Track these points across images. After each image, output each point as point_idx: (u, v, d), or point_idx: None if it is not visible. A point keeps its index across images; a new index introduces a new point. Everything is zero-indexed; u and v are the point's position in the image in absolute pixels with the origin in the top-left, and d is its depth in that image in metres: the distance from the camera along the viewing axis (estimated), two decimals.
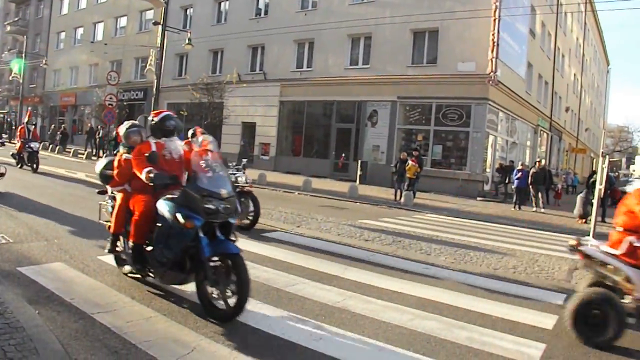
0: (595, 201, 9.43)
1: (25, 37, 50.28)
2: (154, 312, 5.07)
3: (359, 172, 25.63)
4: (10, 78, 47.19)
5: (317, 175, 26.82)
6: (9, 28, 55.85)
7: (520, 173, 20.28)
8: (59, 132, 36.88)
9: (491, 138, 25.96)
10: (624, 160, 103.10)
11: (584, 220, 17.32)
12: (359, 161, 26.27)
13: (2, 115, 52.66)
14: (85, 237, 8.18)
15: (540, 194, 20.48)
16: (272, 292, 6.04)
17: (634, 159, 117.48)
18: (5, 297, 4.84)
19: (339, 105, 28.81)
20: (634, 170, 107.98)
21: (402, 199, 18.73)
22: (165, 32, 27.66)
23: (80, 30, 47.67)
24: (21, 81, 45.98)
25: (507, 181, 23.60)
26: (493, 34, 23.48)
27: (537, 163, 21.32)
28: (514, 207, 20.05)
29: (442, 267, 8.27)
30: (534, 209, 20.15)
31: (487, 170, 25.66)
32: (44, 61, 43.61)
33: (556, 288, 7.50)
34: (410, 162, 19.48)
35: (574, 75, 46.36)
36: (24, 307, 4.69)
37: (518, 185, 20.25)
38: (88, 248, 7.43)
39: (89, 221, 9.64)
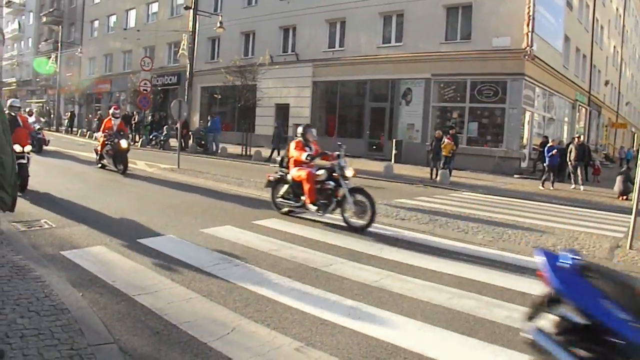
0: (637, 177, 9.15)
1: (60, 27, 51.13)
2: (194, 293, 5.13)
3: (394, 151, 25.47)
4: (47, 69, 48.09)
5: (351, 155, 26.63)
6: (45, 19, 56.80)
7: (554, 150, 19.51)
8: (95, 119, 37.57)
9: (528, 114, 25.50)
10: None
11: (624, 197, 16.93)
12: (394, 140, 26.10)
13: (40, 105, 53.74)
14: (125, 221, 8.32)
15: (579, 171, 19.96)
16: (310, 272, 6.06)
17: None
18: (50, 280, 4.97)
19: (372, 85, 28.62)
20: None
21: (438, 178, 18.59)
22: (197, 16, 27.87)
23: (113, 18, 48.21)
24: (57, 70, 46.84)
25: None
26: (528, 7, 22.95)
27: (577, 139, 20.77)
28: (542, 186, 19.14)
29: (480, 245, 8.19)
30: (573, 186, 19.68)
31: (524, 147, 25.24)
32: (79, 50, 44.28)
33: None
34: (445, 140, 19.26)
35: (614, 47, 45.08)
36: (68, 290, 4.81)
37: (550, 162, 19.50)
38: (128, 231, 7.56)
39: (128, 205, 9.82)
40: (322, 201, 9.08)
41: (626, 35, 49.96)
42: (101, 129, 16.15)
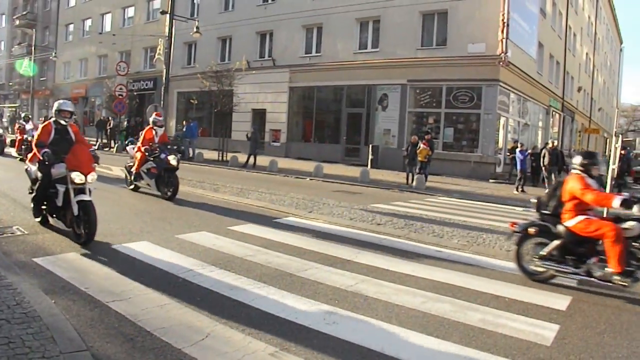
0: (608, 181, 9.35)
1: (34, 30, 50.55)
2: (168, 299, 5.11)
3: (370, 157, 25.58)
4: (21, 73, 47.47)
5: (328, 160, 26.81)
6: (17, 22, 56.02)
7: (522, 155, 19.85)
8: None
9: (502, 119, 25.79)
10: (638, 139, 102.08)
11: None
12: (370, 145, 26.20)
13: (13, 109, 53.01)
14: (99, 227, 8.22)
15: (552, 175, 20.22)
16: (285, 277, 6.07)
17: None
18: (22, 287, 4.91)
19: (349, 90, 28.71)
20: None
21: (414, 183, 18.71)
22: (173, 21, 27.70)
23: (88, 22, 47.70)
24: (32, 75, 46.26)
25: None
26: (503, 14, 23.24)
27: (550, 144, 21.06)
28: (516, 190, 19.49)
29: (455, 249, 8.27)
30: (546, 190, 19.87)
31: (499, 152, 25.51)
32: (53, 54, 43.77)
33: None
34: (421, 145, 19.40)
35: (586, 54, 45.85)
36: (41, 297, 4.75)
37: (521, 166, 19.86)
38: (101, 237, 7.48)
39: (102, 211, 9.72)
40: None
41: (598, 43, 50.87)
42: (140, 141, 12.77)
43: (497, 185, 21.59)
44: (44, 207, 7.91)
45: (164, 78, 27.90)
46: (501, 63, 23.44)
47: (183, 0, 35.76)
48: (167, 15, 27.62)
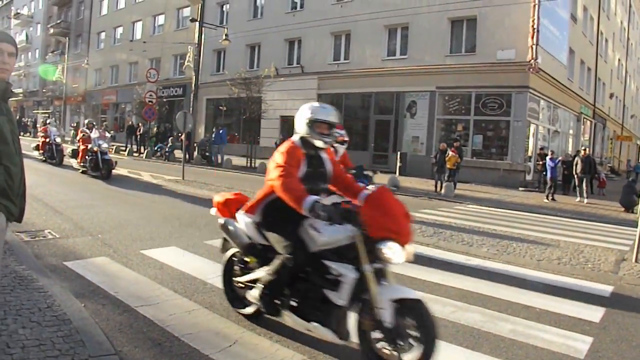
0: None
1: (67, 38, 51.44)
2: (196, 305, 5.11)
3: (398, 164, 25.46)
4: (54, 78, 48.40)
5: None
6: (52, 30, 57.17)
7: (559, 160, 19.59)
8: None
9: (532, 127, 25.47)
10: None
11: (630, 210, 16.87)
12: (399, 152, 26.10)
13: (46, 115, 54.01)
14: (128, 231, 8.32)
15: (585, 183, 19.89)
16: None
17: None
18: (53, 290, 4.96)
19: (377, 97, 28.67)
20: None
21: (443, 190, 18.56)
22: (203, 28, 27.95)
23: (119, 30, 48.54)
24: (64, 82, 47.11)
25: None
26: (533, 20, 23.00)
27: (583, 152, 20.73)
28: (547, 198, 19.20)
29: (484, 258, 8.16)
30: (578, 198, 19.60)
31: (529, 159, 25.20)
32: (85, 61, 44.55)
33: (603, 280, 7.32)
34: (450, 152, 19.27)
35: (618, 60, 45.10)
36: (71, 300, 4.79)
37: (552, 174, 19.60)
38: (131, 242, 7.55)
39: (132, 216, 9.82)
40: None
41: (630, 48, 50.02)
42: None
43: (526, 194, 21.31)
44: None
45: (193, 85, 28.16)
46: (531, 69, 23.17)
47: (212, 8, 36.18)
48: (197, 23, 27.88)
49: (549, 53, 25.21)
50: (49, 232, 7.87)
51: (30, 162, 19.33)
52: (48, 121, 23.04)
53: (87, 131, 17.88)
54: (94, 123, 19.68)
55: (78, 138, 18.49)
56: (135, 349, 4.04)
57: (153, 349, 4.06)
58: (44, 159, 20.44)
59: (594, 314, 5.63)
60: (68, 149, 20.25)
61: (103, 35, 50.58)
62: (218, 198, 5.36)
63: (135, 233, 8.21)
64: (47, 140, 20.37)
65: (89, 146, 16.80)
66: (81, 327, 4.14)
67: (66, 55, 49.50)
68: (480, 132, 25.16)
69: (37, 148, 21.02)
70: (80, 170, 17.32)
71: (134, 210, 10.83)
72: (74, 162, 18.20)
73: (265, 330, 4.56)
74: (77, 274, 5.87)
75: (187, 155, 22.07)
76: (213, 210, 5.35)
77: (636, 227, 9.02)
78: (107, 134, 19.82)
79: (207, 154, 28.12)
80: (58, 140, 20.73)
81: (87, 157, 16.78)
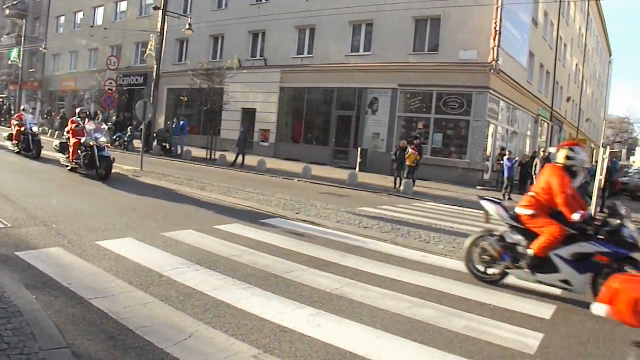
0: (595, 192, 9.44)
1: (24, 21, 50.10)
2: (151, 297, 5.05)
3: (359, 160, 25.59)
4: (10, 62, 47.08)
5: (317, 162, 26.81)
6: (8, 12, 55.57)
7: (517, 161, 20.05)
8: (58, 117, 36.88)
9: (492, 127, 25.91)
10: (624, 151, 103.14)
11: None
12: (359, 149, 26.23)
13: (1, 100, 52.53)
14: (84, 222, 8.16)
15: None
16: (271, 278, 6.03)
17: (634, 150, 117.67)
18: (3, 281, 4.84)
19: (340, 93, 28.74)
20: (634, 162, 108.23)
21: (402, 187, 18.73)
22: (166, 17, 27.54)
23: (80, 15, 47.48)
24: (20, 66, 45.85)
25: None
26: (495, 22, 23.35)
27: (542, 153, 21.16)
28: (504, 198, 19.49)
29: (441, 255, 8.27)
30: None
31: (488, 159, 25.62)
32: (43, 46, 43.43)
33: None
34: (410, 150, 19.44)
35: (576, 65, 46.19)
36: (22, 292, 4.68)
37: (509, 174, 20.06)
38: (86, 233, 7.41)
39: (88, 206, 9.64)
40: None
41: (588, 54, 51.27)
42: None
43: (484, 192, 21.65)
44: None
45: (154, 74, 27.75)
46: (492, 71, 23.55)
47: None
48: (160, 11, 27.47)
49: (510, 55, 25.65)
50: (1, 221, 7.65)
51: (1, 154, 18.62)
52: (23, 107, 20.29)
53: (80, 122, 14.86)
54: (88, 112, 16.72)
55: (68, 129, 15.35)
56: (88, 342, 3.97)
57: (107, 342, 4.00)
58: (18, 150, 18.58)
59: (546, 311, 5.77)
60: (55, 142, 16.63)
61: (62, 19, 49.41)
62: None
63: (91, 224, 8.06)
64: (22, 129, 18.36)
65: (83, 140, 14.11)
66: (32, 319, 4.04)
67: (23, 39, 48.20)
68: (441, 130, 25.46)
69: (10, 138, 19.34)
70: (69, 168, 14.94)
71: (90, 200, 10.63)
72: (61, 158, 15.45)
73: (221, 324, 4.54)
74: (29, 264, 5.72)
75: (146, 146, 21.72)
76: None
77: None
78: (104, 126, 16.02)
79: (164, 144, 27.70)
80: (35, 129, 18.62)
81: (79, 152, 14.22)
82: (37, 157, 18.00)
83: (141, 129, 19.92)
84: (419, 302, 5.63)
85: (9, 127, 24.09)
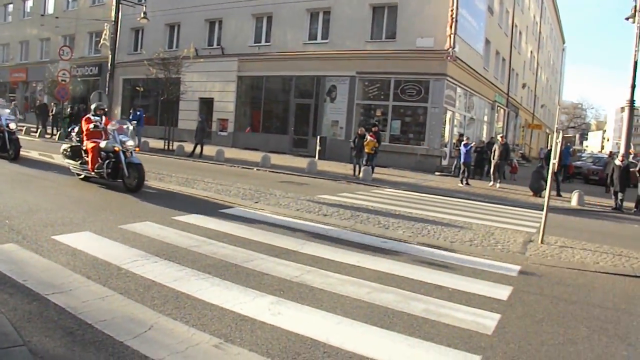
0: (549, 176, 9.72)
1: None
2: (110, 291, 4.99)
3: (318, 148, 25.66)
4: None
5: (275, 151, 26.78)
6: None
7: (472, 146, 20.39)
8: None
9: (449, 113, 26.26)
10: (577, 136, 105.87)
11: (538, 195, 17.73)
12: (318, 137, 26.27)
13: None
14: (38, 216, 7.98)
15: (500, 169, 20.74)
16: (230, 267, 6.02)
17: (587, 135, 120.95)
18: None
19: (298, 81, 28.71)
20: (587, 146, 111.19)
21: (361, 174, 18.85)
22: (120, 5, 26.98)
23: (29, 3, 46.16)
24: None
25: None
26: (452, 10, 23.62)
27: (501, 139, 21.56)
28: (461, 183, 19.97)
29: (400, 240, 8.38)
30: (491, 183, 20.42)
31: (445, 145, 25.96)
32: None
33: (511, 260, 7.69)
34: (368, 137, 19.56)
35: (531, 52, 47.13)
36: None
37: (465, 160, 20.39)
38: (41, 228, 7.26)
39: (42, 201, 9.44)
40: None
41: (542, 42, 52.35)
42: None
43: (442, 178, 22.00)
44: None
45: (109, 64, 27.22)
46: (449, 58, 23.84)
47: None
48: None
49: (466, 42, 25.99)
50: None
51: None
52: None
53: (98, 120, 11.92)
54: (105, 108, 13.37)
55: (79, 129, 12.28)
56: (46, 338, 3.90)
57: (65, 337, 3.94)
58: None
59: (502, 292, 5.92)
60: (63, 145, 13.14)
61: (11, 7, 47.96)
62: None
63: (46, 218, 7.90)
64: None
65: (105, 143, 11.34)
66: None
67: None
68: (399, 117, 25.69)
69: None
70: (82, 176, 12.34)
71: (45, 194, 10.41)
72: (71, 164, 12.38)
73: (181, 315, 4.52)
74: None
75: None
76: None
77: (542, 210, 9.53)
78: (128, 125, 12.10)
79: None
80: (12, 126, 16.09)
81: (99, 159, 11.47)
82: (15, 158, 15.59)
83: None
84: (378, 287, 5.70)
85: None
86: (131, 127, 11.98)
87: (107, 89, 26.06)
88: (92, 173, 11.52)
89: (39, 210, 8.43)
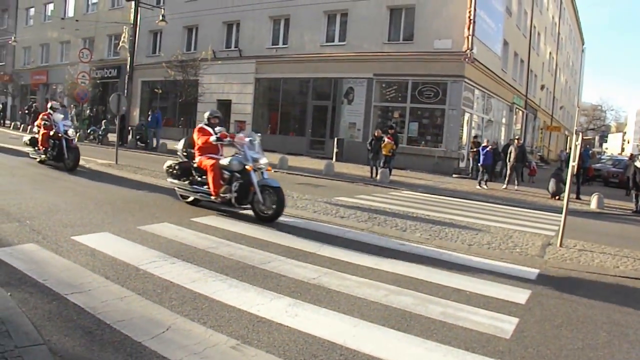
0: (568, 178, 9.61)
1: None
2: (128, 291, 5.03)
3: (335, 150, 25.64)
4: None
5: (293, 152, 26.80)
6: None
7: (488, 149, 20.23)
8: (30, 111, 36.34)
9: (467, 115, 26.11)
10: (597, 138, 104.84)
11: (557, 197, 17.57)
12: (335, 139, 26.27)
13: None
14: (58, 217, 8.06)
15: (516, 172, 20.57)
16: (248, 269, 6.04)
17: (606, 137, 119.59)
18: None
19: (315, 83, 28.73)
20: (606, 148, 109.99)
21: (378, 176, 18.81)
22: (139, 8, 27.21)
23: (50, 6, 46.65)
24: None
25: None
26: (470, 11, 23.50)
27: (517, 141, 21.41)
28: (479, 185, 19.80)
29: (417, 243, 8.34)
30: (504, 186, 20.17)
31: (463, 147, 25.83)
32: (12, 38, 42.63)
33: (529, 264, 7.62)
34: (386, 139, 19.53)
35: (550, 53, 46.70)
36: None
37: (484, 162, 20.18)
38: (61, 228, 7.33)
39: (62, 201, 9.53)
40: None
41: (561, 43, 51.86)
42: None
43: (459, 180, 21.87)
44: None
45: (128, 66, 27.43)
46: (467, 59, 23.71)
47: None
48: (133, 2, 27.12)
49: (484, 44, 25.83)
50: None
51: (20, 162, 15.68)
52: (51, 104, 15.66)
53: (217, 131, 10.15)
54: (221, 116, 11.37)
55: (202, 141, 9.92)
56: (65, 337, 3.94)
57: (84, 337, 3.97)
58: (44, 158, 14.97)
59: (521, 295, 5.87)
60: (167, 162, 11.22)
61: (32, 11, 48.46)
62: None
63: (66, 219, 7.98)
64: (51, 133, 14.56)
65: (229, 161, 9.41)
66: (7, 317, 4.00)
67: None
68: (416, 119, 25.62)
69: (32, 143, 15.55)
70: (190, 199, 10.40)
71: (65, 195, 10.51)
72: (176, 184, 10.44)
73: (198, 316, 4.54)
74: (3, 261, 5.63)
75: (120, 139, 21.51)
76: None
77: (561, 213, 9.43)
78: (254, 138, 10.02)
79: (137, 137, 27.25)
80: (70, 133, 14.64)
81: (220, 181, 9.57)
82: (73, 168, 14.35)
83: (115, 122, 19.70)
84: (395, 290, 5.69)
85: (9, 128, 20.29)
86: (258, 139, 9.97)
87: (125, 91, 26.25)
88: (213, 197, 9.39)
89: (59, 211, 8.52)
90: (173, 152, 23.80)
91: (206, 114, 10.72)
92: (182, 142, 11.04)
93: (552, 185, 18.21)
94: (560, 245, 8.97)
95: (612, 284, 6.94)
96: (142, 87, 36.97)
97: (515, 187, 19.96)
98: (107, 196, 10.74)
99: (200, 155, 9.89)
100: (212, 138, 9.77)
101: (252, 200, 9.18)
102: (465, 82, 24.38)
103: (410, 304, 5.25)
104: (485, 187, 19.47)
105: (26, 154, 16.27)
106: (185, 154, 10.70)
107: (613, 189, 25.50)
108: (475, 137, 24.38)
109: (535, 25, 38.11)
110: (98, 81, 36.06)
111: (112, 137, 25.68)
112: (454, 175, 23.26)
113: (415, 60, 24.75)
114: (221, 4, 31.45)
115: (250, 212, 9.39)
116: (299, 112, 30.00)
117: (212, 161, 9.46)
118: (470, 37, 23.54)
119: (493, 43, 27.75)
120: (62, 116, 14.98)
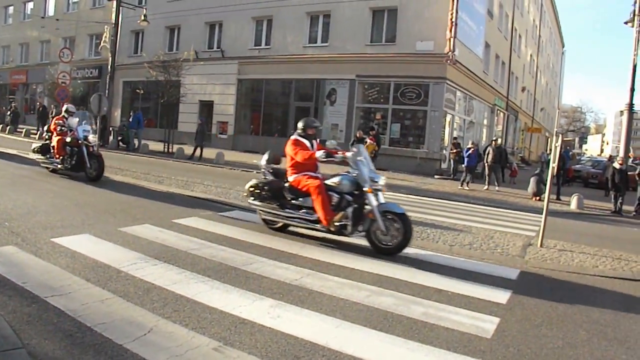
0: (548, 179, 9.75)
1: None
2: (109, 294, 4.99)
3: None
4: None
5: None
6: None
7: (471, 151, 20.37)
8: (9, 111, 35.88)
9: (449, 117, 26.28)
10: (577, 139, 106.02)
11: (537, 198, 17.74)
12: (318, 140, 26.18)
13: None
14: (38, 219, 7.98)
15: (494, 172, 20.73)
16: (230, 271, 6.02)
17: (586, 139, 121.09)
18: None
19: (298, 84, 28.74)
20: (586, 150, 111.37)
21: None
22: (120, 7, 26.99)
23: (30, 5, 46.09)
24: None
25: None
26: (451, 14, 23.65)
27: (494, 142, 21.58)
28: (461, 186, 19.89)
29: None
30: (485, 187, 20.31)
31: (445, 148, 25.97)
32: None
33: (510, 264, 7.69)
34: (368, 140, 19.57)
35: (530, 55, 47.16)
36: None
37: (468, 163, 20.37)
38: (41, 230, 7.25)
39: (42, 203, 9.43)
40: None
41: (542, 45, 52.41)
42: None
43: (441, 181, 21.99)
44: None
45: (109, 66, 27.22)
46: (448, 61, 23.87)
47: None
48: (114, 2, 26.91)
49: (466, 46, 26.02)
50: None
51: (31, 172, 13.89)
52: (66, 107, 14.01)
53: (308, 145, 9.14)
54: (319, 126, 11.67)
55: (301, 157, 8.36)
56: (45, 341, 3.90)
57: (64, 340, 3.94)
58: (61, 168, 13.22)
59: (502, 295, 5.92)
60: (250, 182, 9.00)
61: (11, 9, 47.89)
62: None
63: (46, 220, 7.89)
64: (69, 139, 13.04)
65: (339, 179, 8.06)
66: None
67: None
68: (398, 120, 25.73)
69: (42, 150, 13.80)
70: (278, 226, 8.79)
71: (44, 196, 10.40)
72: (258, 206, 8.65)
73: (180, 318, 4.52)
74: None
75: (102, 140, 21.32)
76: None
77: (542, 214, 9.54)
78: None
79: (119, 138, 27.03)
80: (92, 139, 13.21)
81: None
82: (97, 178, 12.89)
83: (96, 123, 19.51)
84: (377, 291, 5.71)
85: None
86: (366, 153, 8.67)
87: (107, 91, 26.05)
88: (320, 226, 7.79)
89: (38, 213, 8.43)
90: (155, 153, 23.79)
91: (300, 124, 8.98)
92: (265, 156, 9.23)
93: (532, 186, 18.40)
94: (541, 246, 9.07)
95: (591, 284, 7.02)
96: (123, 87, 36.69)
97: (497, 188, 20.10)
98: (87, 198, 10.64)
99: (295, 173, 8.35)
100: (320, 154, 8.16)
101: (368, 228, 7.67)
102: (447, 83, 24.53)
103: (392, 305, 5.27)
104: (467, 188, 19.61)
105: (21, 159, 16.04)
106: (270, 171, 9.06)
107: (592, 189, 25.79)
108: (455, 138, 24.52)
109: (517, 28, 38.48)
110: (79, 81, 35.62)
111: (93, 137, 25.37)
112: (435, 176, 23.37)
113: (397, 62, 24.84)
114: (203, 4, 31.32)
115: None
116: (281, 113, 29.98)
117: (317, 182, 7.87)
118: (452, 39, 23.69)
119: (475, 45, 27.96)
120: (77, 119, 13.27)
